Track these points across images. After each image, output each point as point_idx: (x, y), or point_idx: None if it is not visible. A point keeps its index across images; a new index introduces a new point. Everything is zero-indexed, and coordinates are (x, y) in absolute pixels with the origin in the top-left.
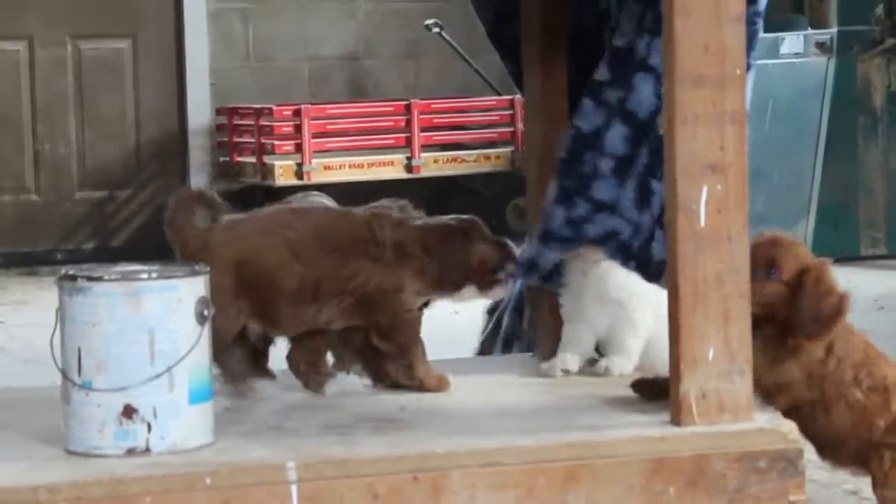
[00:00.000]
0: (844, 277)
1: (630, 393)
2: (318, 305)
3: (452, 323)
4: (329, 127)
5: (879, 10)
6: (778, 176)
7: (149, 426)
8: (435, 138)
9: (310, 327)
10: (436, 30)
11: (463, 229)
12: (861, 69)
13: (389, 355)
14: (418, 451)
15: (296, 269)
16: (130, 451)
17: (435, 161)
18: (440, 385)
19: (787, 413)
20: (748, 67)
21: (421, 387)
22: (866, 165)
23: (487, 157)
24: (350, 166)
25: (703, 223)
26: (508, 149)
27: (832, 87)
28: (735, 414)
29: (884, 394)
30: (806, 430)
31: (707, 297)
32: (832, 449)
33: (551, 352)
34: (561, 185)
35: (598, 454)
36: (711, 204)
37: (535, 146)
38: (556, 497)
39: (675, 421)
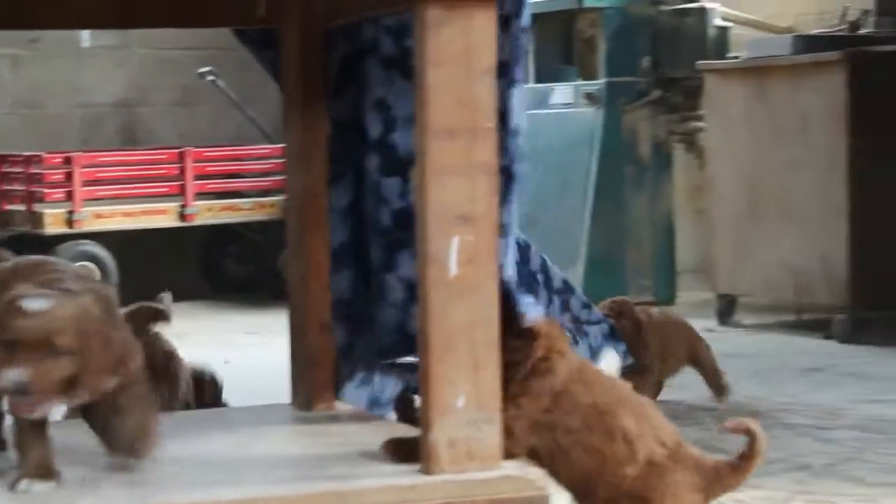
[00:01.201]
0: None
1: (379, 438)
2: None
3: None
4: (100, 174)
5: (646, 62)
6: (548, 224)
7: None
8: (209, 186)
9: None
10: (210, 78)
11: None
12: (628, 120)
13: None
14: (161, 503)
15: None
16: None
17: (209, 209)
18: None
19: (538, 461)
20: (514, 83)
21: None
22: (633, 214)
23: (262, 205)
24: (122, 214)
25: (453, 273)
26: (283, 196)
27: (601, 136)
28: (484, 462)
29: (629, 444)
30: (559, 479)
31: (457, 346)
32: (583, 497)
33: (307, 399)
34: None
35: (348, 503)
36: (462, 254)
37: (296, 197)
38: None
39: (426, 469)
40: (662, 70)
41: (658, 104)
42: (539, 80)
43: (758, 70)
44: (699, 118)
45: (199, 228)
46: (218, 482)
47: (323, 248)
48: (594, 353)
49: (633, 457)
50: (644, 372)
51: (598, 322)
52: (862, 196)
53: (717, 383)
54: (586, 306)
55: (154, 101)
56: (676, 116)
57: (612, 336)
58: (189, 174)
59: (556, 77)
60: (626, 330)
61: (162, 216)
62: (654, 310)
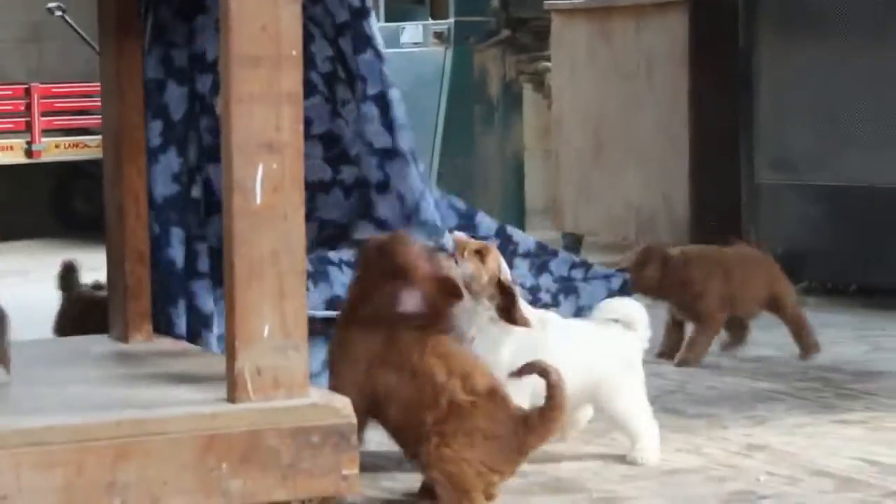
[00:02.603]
0: None
1: (193, 368)
2: None
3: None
4: None
5: (495, 1)
6: None
7: None
8: (56, 123)
9: None
10: (59, 13)
11: None
12: (478, 59)
13: None
14: None
15: None
16: None
17: (57, 146)
18: None
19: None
20: (367, 12)
21: None
22: (482, 154)
23: None
24: None
25: (258, 201)
26: None
27: (450, 76)
28: (290, 390)
29: (434, 390)
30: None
31: (262, 275)
32: (402, 444)
33: (124, 330)
34: None
35: (149, 431)
36: (267, 182)
37: (111, 129)
38: (106, 475)
39: (231, 398)
40: (511, 10)
41: (507, 44)
42: (389, 19)
43: (602, 10)
44: (547, 58)
45: (47, 166)
46: (20, 410)
47: (139, 179)
48: (580, 311)
49: (437, 402)
50: (701, 320)
51: (603, 277)
52: (702, 135)
53: (802, 335)
54: (581, 265)
55: (2, 36)
56: (525, 56)
57: (623, 290)
58: (36, 110)
59: (406, 16)
60: (649, 281)
61: (8, 152)
62: (729, 248)
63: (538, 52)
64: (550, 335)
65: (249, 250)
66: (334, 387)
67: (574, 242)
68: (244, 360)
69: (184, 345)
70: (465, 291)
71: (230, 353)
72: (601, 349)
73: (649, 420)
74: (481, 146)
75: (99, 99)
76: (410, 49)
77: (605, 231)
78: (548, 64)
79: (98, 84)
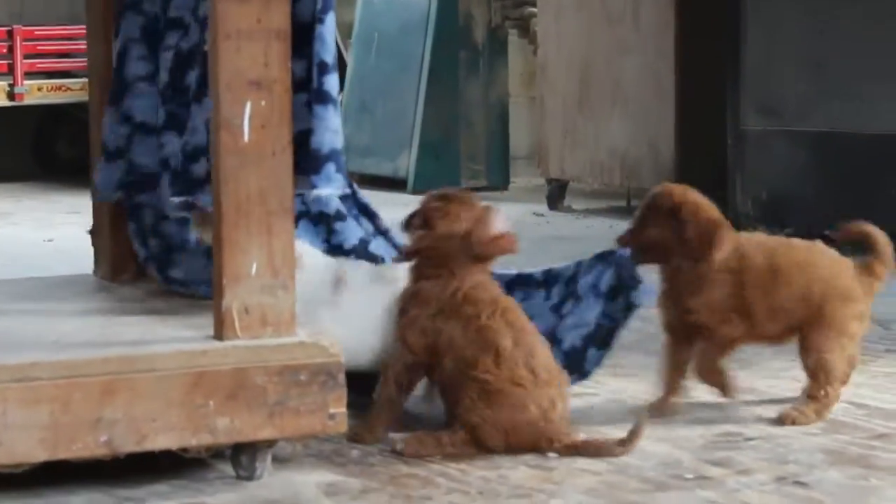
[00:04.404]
0: None
1: (179, 306)
2: None
3: (43, 249)
4: None
5: None
6: (382, 109)
7: None
8: (39, 66)
9: None
10: None
11: None
12: (463, 4)
13: None
14: None
15: None
16: None
17: (39, 89)
18: None
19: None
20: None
21: None
22: (467, 99)
23: None
24: None
25: (246, 139)
26: None
27: (435, 21)
28: (277, 328)
29: (497, 359)
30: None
31: (250, 213)
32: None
33: (110, 269)
34: None
35: (136, 368)
36: (255, 119)
37: (96, 68)
38: (93, 412)
39: (218, 335)
40: None
41: None
42: None
43: None
44: (533, 3)
45: (30, 108)
46: (6, 346)
47: None
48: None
49: (494, 364)
50: (701, 331)
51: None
52: (688, 80)
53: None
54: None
55: None
56: (510, 1)
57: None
58: (18, 53)
59: None
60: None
61: None
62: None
63: None
64: None
65: (237, 188)
66: (401, 326)
67: (559, 188)
68: (231, 298)
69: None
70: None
71: (217, 291)
72: None
73: None
74: (466, 92)
75: (82, 43)
76: None
77: (590, 177)
78: (533, 9)
79: (81, 27)
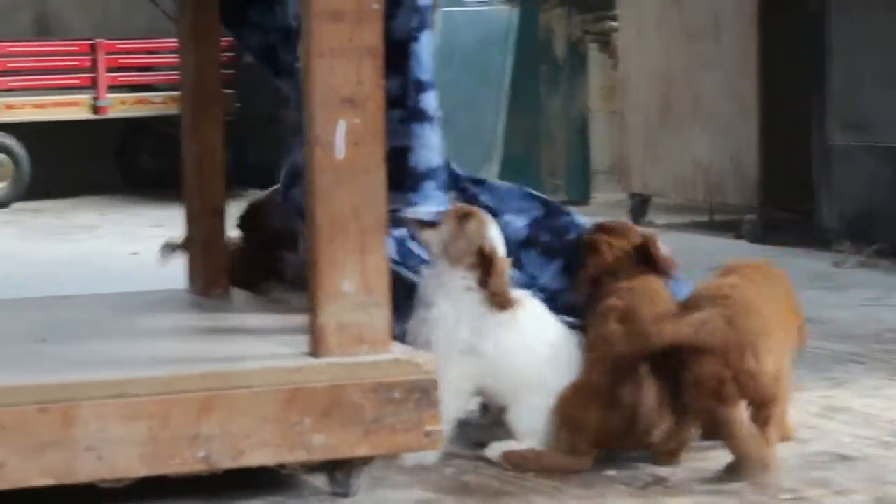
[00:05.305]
0: None
1: (273, 322)
2: None
3: (129, 262)
4: (11, 65)
5: None
6: (463, 123)
7: None
8: (121, 79)
9: None
10: None
11: None
12: (543, 19)
13: None
14: (45, 381)
15: None
16: None
17: (122, 102)
18: None
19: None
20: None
21: None
22: (548, 114)
23: (175, 99)
24: (33, 105)
25: (340, 156)
26: None
27: (516, 35)
28: (373, 345)
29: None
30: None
31: (345, 230)
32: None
33: (203, 284)
34: None
35: (232, 385)
36: (349, 137)
37: (188, 81)
38: (191, 427)
39: (314, 352)
40: None
41: (573, 3)
42: None
43: None
44: (613, 18)
45: (114, 122)
46: (105, 362)
47: (215, 131)
48: None
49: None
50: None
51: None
52: (772, 96)
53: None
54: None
55: None
56: (591, 16)
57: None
58: (101, 66)
59: None
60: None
61: (74, 108)
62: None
63: (604, 12)
64: (521, 318)
65: (331, 206)
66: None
67: (641, 203)
68: (327, 316)
69: (260, 299)
70: (440, 256)
71: (313, 308)
72: (571, 341)
73: None
74: (547, 107)
75: (164, 56)
76: (476, 7)
77: (672, 192)
78: (614, 24)
79: (163, 41)
